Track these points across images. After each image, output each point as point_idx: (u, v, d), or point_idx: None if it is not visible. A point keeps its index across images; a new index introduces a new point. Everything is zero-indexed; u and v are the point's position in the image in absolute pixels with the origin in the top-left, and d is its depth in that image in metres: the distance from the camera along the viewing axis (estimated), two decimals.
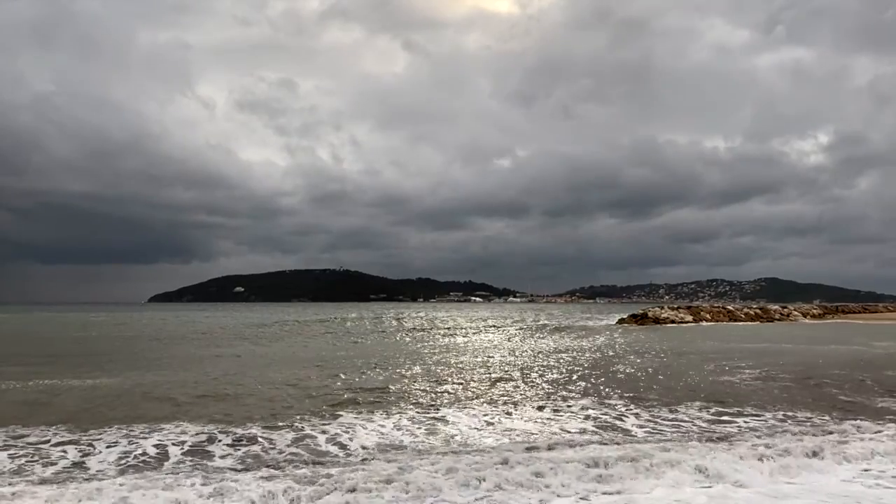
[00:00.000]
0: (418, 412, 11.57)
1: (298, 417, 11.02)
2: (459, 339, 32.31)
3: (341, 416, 11.24)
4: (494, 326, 46.08)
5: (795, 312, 68.66)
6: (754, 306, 71.45)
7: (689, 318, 54.65)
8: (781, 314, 65.17)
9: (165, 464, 8.12)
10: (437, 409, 11.82)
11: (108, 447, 8.87)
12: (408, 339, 33.58)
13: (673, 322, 51.94)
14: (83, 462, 8.16)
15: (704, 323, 53.37)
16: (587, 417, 11.28)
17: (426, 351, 25.09)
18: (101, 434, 9.60)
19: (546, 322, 54.17)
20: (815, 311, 75.63)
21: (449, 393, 13.92)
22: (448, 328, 43.94)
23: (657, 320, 52.77)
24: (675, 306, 65.60)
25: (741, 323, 55.57)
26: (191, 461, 8.27)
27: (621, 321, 55.28)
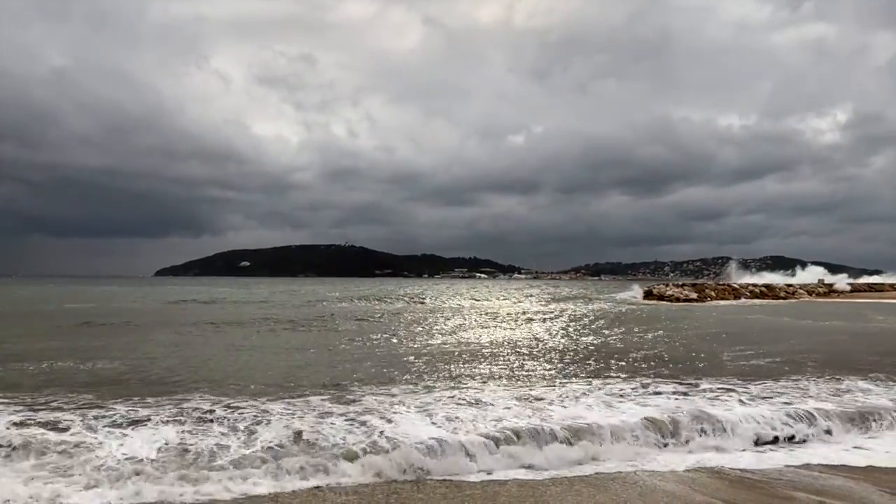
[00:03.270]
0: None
1: None
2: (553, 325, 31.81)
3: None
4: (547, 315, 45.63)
5: (801, 290, 68.41)
6: (759, 284, 71.12)
7: (694, 295, 54.48)
8: (787, 292, 64.94)
9: None
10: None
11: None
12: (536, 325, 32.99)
13: (678, 300, 51.84)
14: None
15: (710, 301, 53.27)
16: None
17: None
18: None
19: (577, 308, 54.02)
20: (820, 289, 75.31)
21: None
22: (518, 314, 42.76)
23: (662, 297, 52.87)
24: (681, 283, 65.42)
25: (747, 301, 55.43)
26: None
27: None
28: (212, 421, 8.25)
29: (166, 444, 7.21)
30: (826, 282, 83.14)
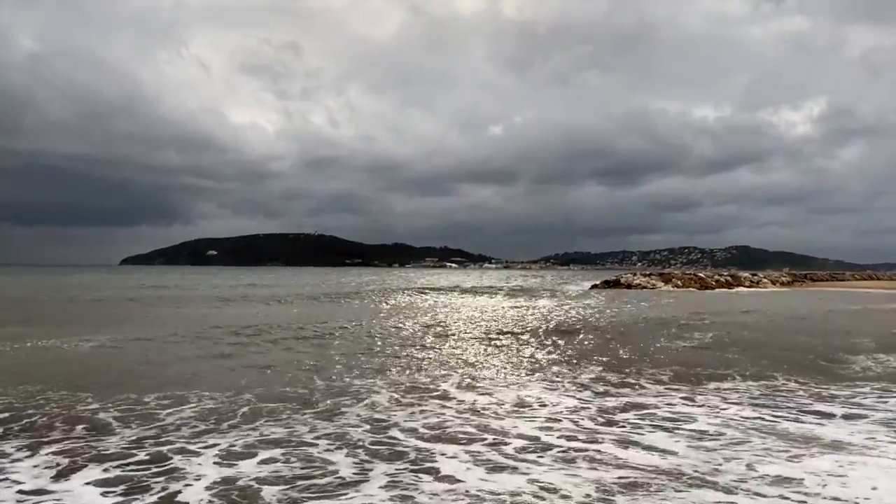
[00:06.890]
0: None
1: None
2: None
3: None
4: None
5: (765, 280, 69.09)
6: (725, 274, 71.73)
7: (661, 284, 54.62)
8: (751, 281, 65.49)
9: None
10: None
11: None
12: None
13: (644, 289, 51.75)
14: None
15: (675, 290, 53.20)
16: None
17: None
18: None
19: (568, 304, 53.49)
20: (784, 278, 76.34)
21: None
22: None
23: (629, 287, 53.10)
24: (648, 273, 65.62)
25: (713, 290, 55.52)
26: None
27: (594, 287, 55.38)
28: None
29: None
30: (789, 271, 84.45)
